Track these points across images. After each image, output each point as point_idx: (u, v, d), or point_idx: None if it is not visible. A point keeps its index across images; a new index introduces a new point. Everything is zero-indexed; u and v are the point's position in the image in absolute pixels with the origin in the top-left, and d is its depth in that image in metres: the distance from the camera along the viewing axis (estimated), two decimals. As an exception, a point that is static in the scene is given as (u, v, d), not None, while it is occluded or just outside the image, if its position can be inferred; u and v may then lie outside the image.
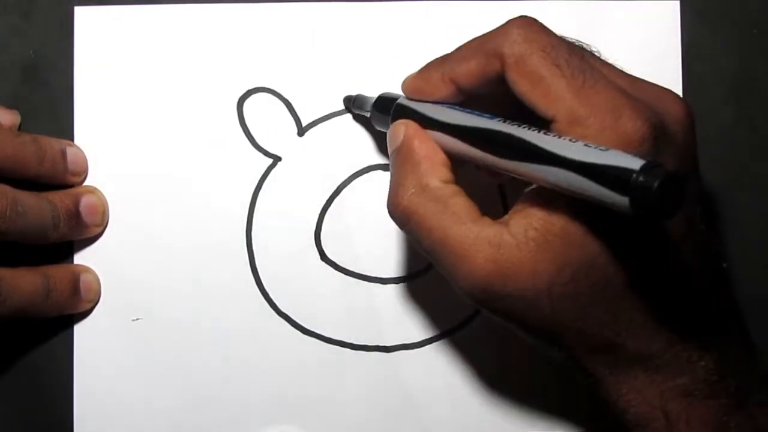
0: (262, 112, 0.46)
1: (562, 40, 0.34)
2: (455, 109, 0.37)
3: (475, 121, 0.35)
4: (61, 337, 0.45)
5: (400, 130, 0.38)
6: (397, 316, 0.46)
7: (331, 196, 0.46)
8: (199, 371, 0.46)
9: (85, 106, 0.45)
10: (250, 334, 0.46)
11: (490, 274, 0.33)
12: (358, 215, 0.46)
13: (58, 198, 0.43)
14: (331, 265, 0.46)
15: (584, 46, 0.36)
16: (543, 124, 0.33)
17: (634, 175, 0.28)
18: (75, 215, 0.44)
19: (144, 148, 0.46)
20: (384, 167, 0.46)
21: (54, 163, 0.43)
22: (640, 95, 0.33)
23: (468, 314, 0.46)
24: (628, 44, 0.45)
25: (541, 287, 0.33)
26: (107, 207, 0.45)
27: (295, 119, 0.46)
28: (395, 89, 0.41)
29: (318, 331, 0.46)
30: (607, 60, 0.36)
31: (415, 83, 0.39)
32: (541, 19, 0.35)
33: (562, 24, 0.38)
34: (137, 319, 0.46)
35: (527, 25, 0.34)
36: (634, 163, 0.29)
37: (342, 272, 0.46)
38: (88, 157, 0.45)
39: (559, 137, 0.32)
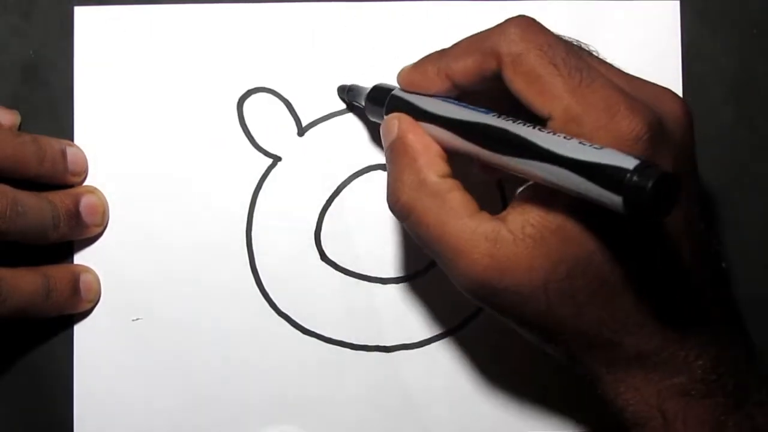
0: (262, 112, 0.46)
1: (559, 39, 0.34)
2: (450, 102, 0.37)
3: (470, 115, 0.35)
4: (61, 337, 0.46)
5: (394, 124, 0.38)
6: (397, 316, 0.46)
7: (331, 196, 0.46)
8: (199, 371, 0.46)
9: (85, 106, 0.46)
10: (250, 334, 0.46)
11: (486, 269, 0.34)
12: (358, 215, 0.46)
13: (58, 198, 0.43)
14: (331, 265, 0.46)
15: (582, 45, 0.36)
16: (539, 122, 0.33)
17: (628, 175, 0.28)
18: (75, 215, 0.44)
19: (144, 148, 0.46)
20: (384, 167, 0.46)
21: (54, 163, 0.44)
22: (638, 94, 0.33)
23: (468, 314, 0.46)
24: (628, 44, 0.45)
25: (537, 283, 0.33)
26: (107, 207, 0.45)
27: (295, 119, 0.46)
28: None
29: (318, 331, 0.46)
30: (605, 59, 0.36)
31: (410, 76, 0.39)
32: (540, 19, 0.35)
33: (562, 24, 0.38)
34: (137, 319, 0.46)
35: (525, 24, 0.34)
36: (628, 163, 0.29)
37: (342, 272, 0.46)
38: (88, 157, 0.45)
39: (554, 134, 0.32)
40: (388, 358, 0.46)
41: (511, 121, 0.33)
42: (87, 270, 0.45)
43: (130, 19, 0.46)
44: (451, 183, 0.36)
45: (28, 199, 0.41)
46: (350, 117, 0.46)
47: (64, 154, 0.44)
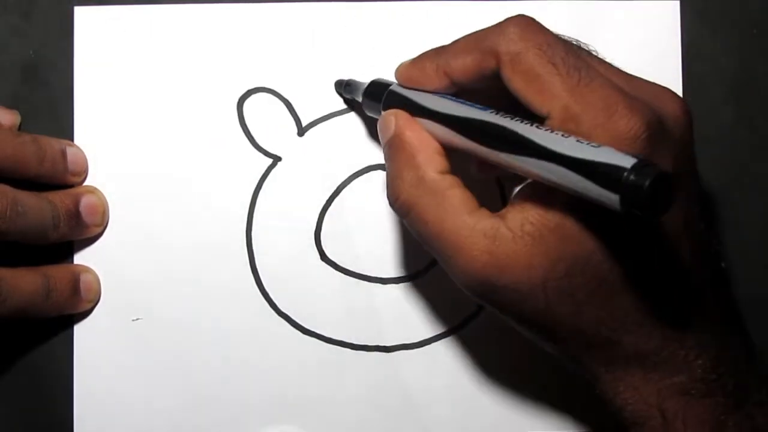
0: (262, 112, 0.46)
1: (558, 38, 0.34)
2: (448, 98, 0.37)
3: (468, 111, 0.35)
4: (61, 337, 0.45)
5: (391, 120, 0.38)
6: (397, 316, 0.46)
7: (331, 196, 0.46)
8: (199, 371, 0.46)
9: (85, 106, 0.46)
10: (250, 334, 0.46)
11: (485, 266, 0.34)
12: (358, 215, 0.46)
13: (58, 198, 0.43)
14: (331, 265, 0.46)
15: (582, 45, 0.36)
16: (537, 120, 0.33)
17: (625, 174, 0.28)
18: (75, 215, 0.44)
19: (144, 148, 0.46)
20: (384, 167, 0.46)
21: (54, 163, 0.44)
22: (637, 94, 0.33)
23: (468, 314, 0.46)
24: (628, 44, 0.45)
25: (535, 281, 0.33)
26: (107, 207, 0.45)
27: (295, 119, 0.46)
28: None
29: (318, 331, 0.46)
30: (604, 59, 0.36)
31: (408, 71, 0.39)
32: (540, 19, 0.35)
33: (562, 24, 0.38)
34: (137, 319, 0.46)
35: (524, 23, 0.34)
36: (626, 161, 0.29)
37: (342, 272, 0.46)
38: (88, 157, 0.45)
39: (552, 131, 0.32)
40: (388, 358, 0.46)
41: (509, 118, 0.34)
42: (87, 270, 0.45)
43: (130, 19, 0.46)
44: (450, 180, 0.36)
45: (28, 199, 0.41)
46: (350, 117, 0.46)
47: (64, 154, 0.44)
